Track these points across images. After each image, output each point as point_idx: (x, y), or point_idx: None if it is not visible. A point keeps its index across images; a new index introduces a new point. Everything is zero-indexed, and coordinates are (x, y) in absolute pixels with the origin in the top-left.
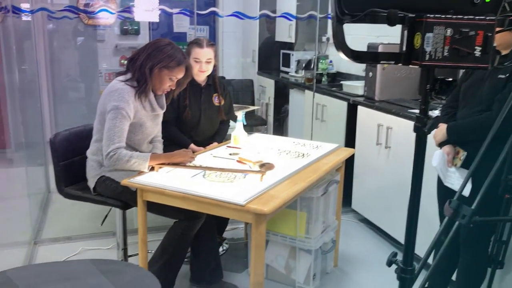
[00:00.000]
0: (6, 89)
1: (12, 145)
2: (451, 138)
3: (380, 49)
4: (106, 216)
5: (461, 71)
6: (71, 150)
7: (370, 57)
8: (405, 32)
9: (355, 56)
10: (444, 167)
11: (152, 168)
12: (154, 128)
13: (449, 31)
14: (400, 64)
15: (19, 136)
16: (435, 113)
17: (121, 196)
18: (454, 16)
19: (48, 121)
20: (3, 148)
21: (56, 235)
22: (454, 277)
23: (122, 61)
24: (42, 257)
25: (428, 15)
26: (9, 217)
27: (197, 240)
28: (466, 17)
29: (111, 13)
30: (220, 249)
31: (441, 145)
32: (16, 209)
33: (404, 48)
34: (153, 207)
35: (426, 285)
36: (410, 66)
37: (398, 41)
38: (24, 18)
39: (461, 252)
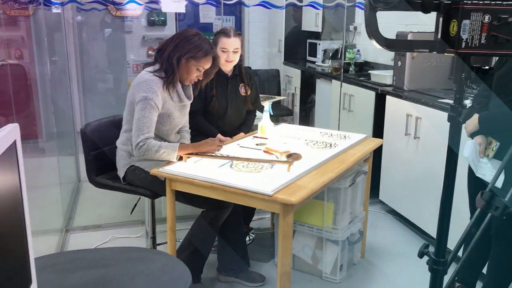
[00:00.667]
0: (38, 80)
1: (43, 135)
2: (483, 128)
3: (409, 38)
4: (135, 205)
5: (494, 59)
6: (101, 140)
7: (403, 45)
8: (440, 19)
9: (389, 44)
10: (476, 157)
11: (181, 158)
12: (181, 118)
13: (487, 18)
14: (434, 52)
15: (50, 127)
16: (466, 103)
17: (150, 186)
18: (492, 2)
19: (78, 111)
20: (35, 138)
21: (86, 223)
22: (485, 270)
23: (150, 52)
24: (73, 245)
25: (465, 1)
26: (42, 205)
27: (224, 230)
28: (505, 2)
29: (139, 4)
30: (247, 238)
31: (472, 135)
32: (48, 198)
33: (439, 36)
34: (181, 197)
35: (456, 278)
36: (445, 54)
37: (428, 30)
38: (54, 10)
39: (492, 245)
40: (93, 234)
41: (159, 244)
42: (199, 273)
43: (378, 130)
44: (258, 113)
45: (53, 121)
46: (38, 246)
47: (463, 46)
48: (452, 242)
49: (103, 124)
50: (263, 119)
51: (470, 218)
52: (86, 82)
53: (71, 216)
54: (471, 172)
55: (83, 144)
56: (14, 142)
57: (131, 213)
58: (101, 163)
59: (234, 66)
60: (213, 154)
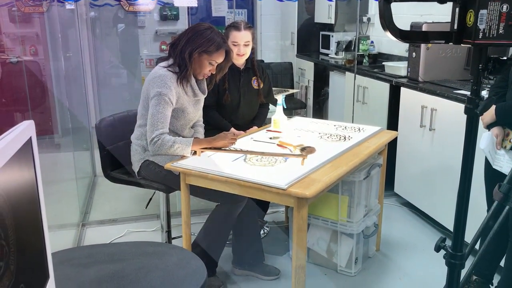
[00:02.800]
0: (53, 76)
1: (59, 130)
2: (500, 120)
3: (424, 29)
4: (150, 199)
5: (511, 50)
6: (115, 135)
7: (419, 36)
8: (457, 9)
9: (404, 36)
10: (493, 149)
11: (195, 153)
12: (196, 113)
13: (505, 7)
14: (450, 44)
15: (65, 122)
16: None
17: (164, 180)
18: None
19: (92, 107)
20: (51, 134)
21: (102, 218)
22: (502, 263)
23: (162, 46)
24: (90, 239)
25: None
26: (59, 200)
27: (238, 223)
28: None
29: None
30: (261, 232)
31: (489, 127)
32: (65, 192)
33: (455, 27)
34: (195, 191)
35: (473, 271)
36: (462, 45)
37: (443, 20)
38: (68, 6)
39: (510, 237)
40: (109, 228)
41: (174, 238)
42: (214, 266)
43: (392, 122)
44: (271, 106)
45: (68, 116)
46: (55, 241)
47: (480, 37)
48: (469, 235)
49: (117, 119)
50: (276, 113)
51: (487, 210)
52: (100, 78)
53: (87, 211)
54: (487, 164)
55: (98, 139)
56: (30, 138)
57: (146, 207)
58: (116, 158)
59: (246, 60)
60: (227, 148)
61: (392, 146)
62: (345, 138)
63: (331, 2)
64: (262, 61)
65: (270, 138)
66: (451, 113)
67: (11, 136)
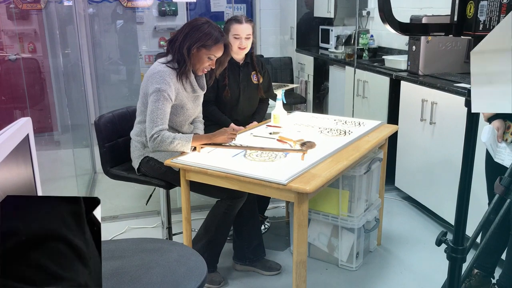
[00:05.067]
0: (51, 73)
1: (58, 127)
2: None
3: (424, 21)
4: (150, 195)
5: None
6: (115, 131)
7: (418, 29)
8: (457, 1)
9: (403, 28)
10: (494, 142)
11: (195, 149)
12: (195, 109)
13: None
14: (450, 36)
15: (65, 119)
16: None
17: (164, 176)
18: None
19: (91, 103)
20: (50, 131)
21: (103, 214)
22: (503, 256)
23: (161, 42)
24: None
25: None
26: None
27: (239, 219)
28: None
29: None
30: (262, 227)
31: (490, 119)
32: (65, 190)
33: (455, 19)
34: (195, 187)
35: (474, 265)
36: (462, 37)
37: (443, 13)
38: (66, 3)
39: (511, 231)
40: (109, 225)
41: (175, 234)
42: (215, 262)
43: (393, 116)
44: (271, 101)
45: (68, 113)
46: None
47: (480, 29)
48: (470, 228)
49: (116, 115)
50: (276, 108)
51: (488, 204)
52: (99, 74)
53: None
54: (489, 157)
55: (97, 136)
56: (27, 136)
57: (146, 204)
58: (115, 155)
59: (246, 54)
60: (227, 144)
61: (392, 140)
62: (345, 132)
63: None
64: (262, 56)
65: (270, 133)
66: (452, 106)
67: (8, 133)
